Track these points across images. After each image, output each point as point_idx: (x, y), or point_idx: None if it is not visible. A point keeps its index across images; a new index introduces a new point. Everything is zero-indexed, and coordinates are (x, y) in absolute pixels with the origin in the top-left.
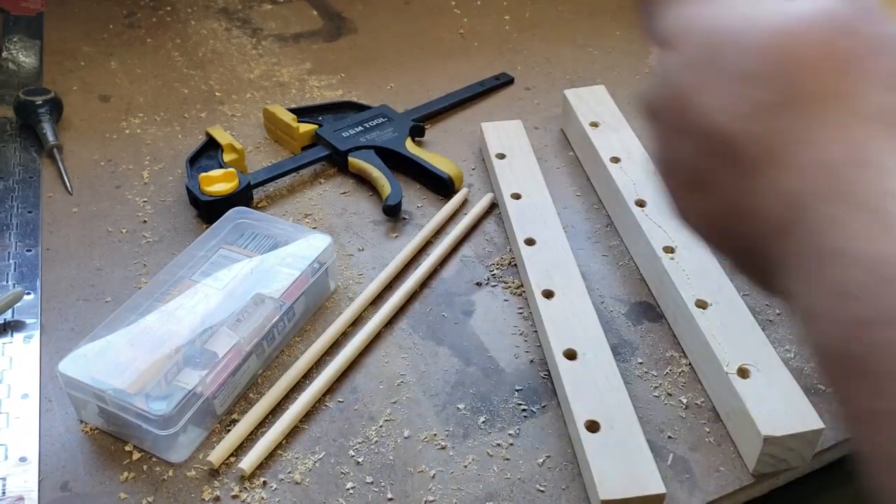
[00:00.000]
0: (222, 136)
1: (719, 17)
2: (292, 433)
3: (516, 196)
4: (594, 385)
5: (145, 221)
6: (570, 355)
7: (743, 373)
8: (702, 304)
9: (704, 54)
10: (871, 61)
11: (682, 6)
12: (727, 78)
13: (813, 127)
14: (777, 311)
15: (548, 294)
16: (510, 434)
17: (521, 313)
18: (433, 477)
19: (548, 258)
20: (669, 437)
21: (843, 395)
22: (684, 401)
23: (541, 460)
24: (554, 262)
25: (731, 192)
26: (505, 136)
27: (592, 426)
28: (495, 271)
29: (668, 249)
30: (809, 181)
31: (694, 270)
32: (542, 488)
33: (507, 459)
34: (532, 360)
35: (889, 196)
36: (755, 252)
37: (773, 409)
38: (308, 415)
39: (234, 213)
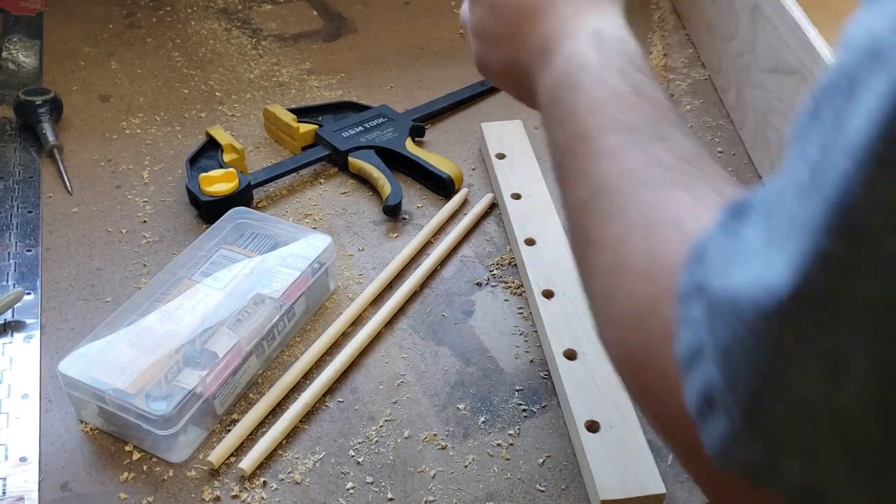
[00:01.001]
0: (222, 136)
1: None
2: (292, 433)
3: (516, 196)
4: (594, 385)
5: (145, 221)
6: (571, 355)
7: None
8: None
9: None
10: None
11: None
12: None
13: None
14: None
15: (548, 294)
16: (510, 434)
17: (521, 313)
18: (433, 477)
19: (548, 258)
20: None
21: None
22: None
23: (541, 460)
24: (554, 262)
25: (510, 41)
26: (505, 136)
27: (592, 426)
28: (495, 271)
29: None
30: (552, 28)
31: (569, 315)
32: (542, 488)
33: (508, 459)
34: (532, 360)
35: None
36: (525, 82)
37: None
38: (308, 415)
39: (234, 214)
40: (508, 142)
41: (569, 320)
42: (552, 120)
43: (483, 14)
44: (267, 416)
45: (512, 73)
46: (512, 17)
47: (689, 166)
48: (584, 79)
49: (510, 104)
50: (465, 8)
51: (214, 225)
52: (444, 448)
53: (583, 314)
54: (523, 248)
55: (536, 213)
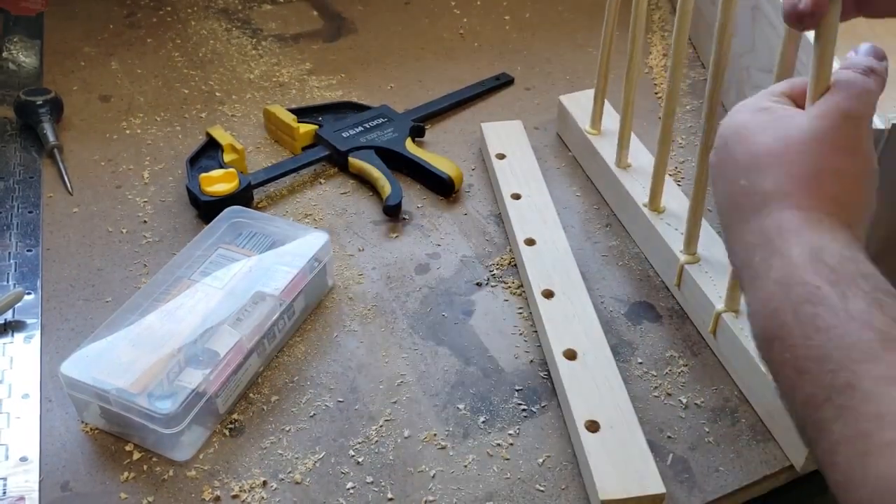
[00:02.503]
0: (223, 137)
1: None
2: (293, 433)
3: (516, 196)
4: (594, 385)
5: (146, 222)
6: (570, 355)
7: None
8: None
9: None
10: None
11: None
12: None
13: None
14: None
15: (548, 294)
16: (510, 434)
17: (521, 313)
18: (433, 477)
19: (548, 258)
20: (669, 437)
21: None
22: (684, 401)
23: (541, 460)
24: (554, 262)
25: (743, 213)
26: (505, 136)
27: (592, 426)
28: (495, 271)
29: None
30: (754, 242)
31: (569, 316)
32: (541, 488)
33: (507, 459)
34: (532, 361)
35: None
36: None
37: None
38: (308, 414)
39: (230, 213)
40: (508, 142)
41: (568, 320)
42: (776, 356)
43: (715, 162)
44: None
45: (725, 214)
46: (733, 197)
47: None
48: (819, 315)
49: (510, 104)
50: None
51: (210, 224)
52: (443, 448)
53: (582, 314)
54: (523, 248)
55: (536, 214)
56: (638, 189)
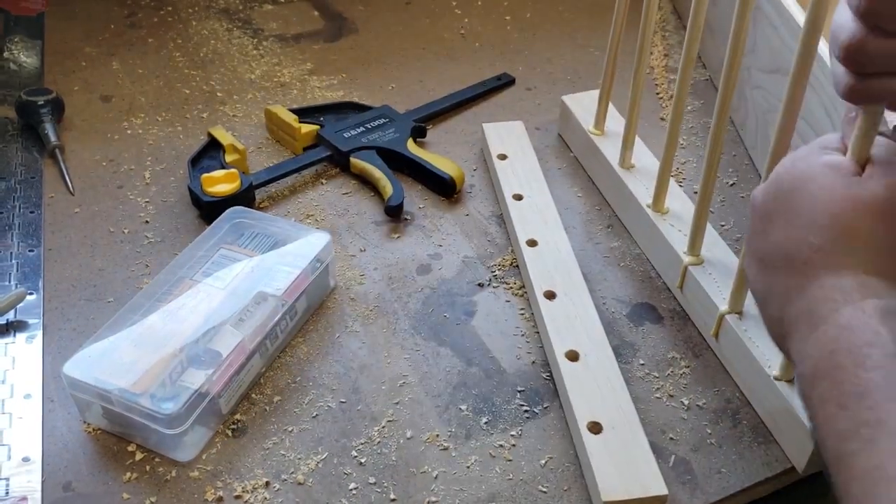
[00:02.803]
0: (224, 137)
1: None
2: (295, 434)
3: (518, 197)
4: (596, 386)
5: (147, 222)
6: (572, 356)
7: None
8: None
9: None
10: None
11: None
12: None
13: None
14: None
15: (549, 295)
16: (512, 435)
17: (522, 314)
18: (436, 478)
19: (549, 259)
20: (671, 438)
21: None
22: (686, 402)
23: (543, 461)
24: (555, 263)
25: (776, 290)
26: (506, 136)
27: (594, 427)
28: (497, 272)
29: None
30: (823, 296)
31: (571, 316)
32: (544, 489)
33: (510, 460)
34: (534, 362)
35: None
36: (780, 325)
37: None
38: (311, 415)
39: (232, 213)
40: (510, 142)
41: (570, 321)
42: (822, 393)
43: (755, 228)
44: None
45: (764, 301)
46: (779, 260)
47: None
48: (873, 355)
49: (511, 104)
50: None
51: (212, 225)
52: (446, 449)
53: (584, 315)
54: (525, 248)
55: (538, 214)
56: (641, 190)
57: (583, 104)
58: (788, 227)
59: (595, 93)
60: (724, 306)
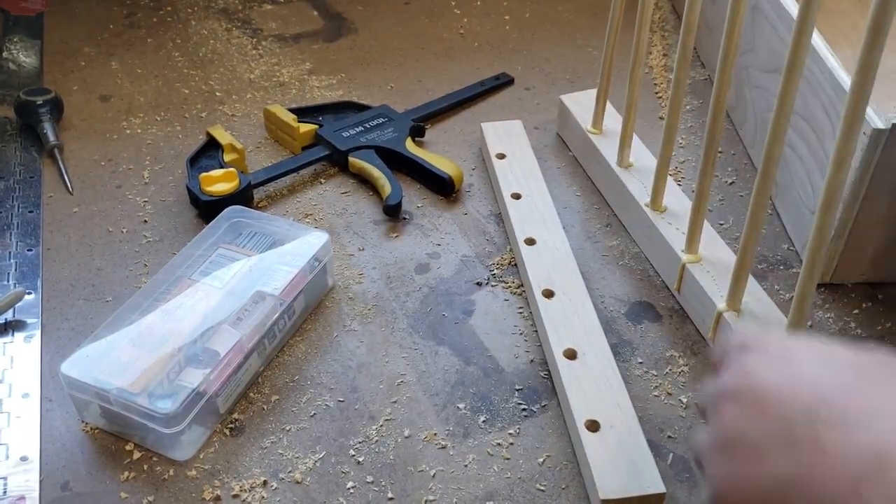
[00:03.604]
0: (223, 136)
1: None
2: (293, 433)
3: (516, 196)
4: (594, 385)
5: (146, 221)
6: (570, 355)
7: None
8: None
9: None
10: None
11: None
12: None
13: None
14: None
15: (548, 294)
16: (510, 433)
17: (521, 313)
18: (433, 476)
19: (548, 258)
20: (669, 436)
21: None
22: (684, 400)
23: (541, 460)
24: (554, 261)
25: (787, 452)
26: (505, 136)
27: (592, 426)
28: (495, 271)
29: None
30: (884, 434)
31: (570, 315)
32: (542, 488)
33: (508, 459)
34: (532, 360)
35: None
36: None
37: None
38: (308, 414)
39: (230, 213)
40: (508, 142)
41: (569, 320)
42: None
43: (742, 412)
44: None
45: (774, 499)
46: (800, 416)
47: None
48: None
49: (510, 104)
50: (708, 393)
51: (210, 224)
52: (444, 447)
53: (583, 313)
54: (523, 247)
55: (536, 213)
56: (639, 188)
57: (581, 103)
58: (799, 386)
59: (593, 92)
60: (721, 304)
